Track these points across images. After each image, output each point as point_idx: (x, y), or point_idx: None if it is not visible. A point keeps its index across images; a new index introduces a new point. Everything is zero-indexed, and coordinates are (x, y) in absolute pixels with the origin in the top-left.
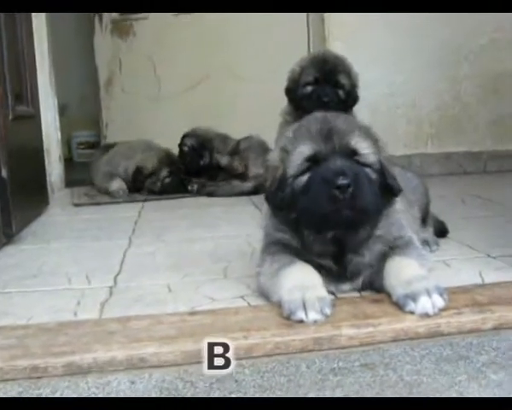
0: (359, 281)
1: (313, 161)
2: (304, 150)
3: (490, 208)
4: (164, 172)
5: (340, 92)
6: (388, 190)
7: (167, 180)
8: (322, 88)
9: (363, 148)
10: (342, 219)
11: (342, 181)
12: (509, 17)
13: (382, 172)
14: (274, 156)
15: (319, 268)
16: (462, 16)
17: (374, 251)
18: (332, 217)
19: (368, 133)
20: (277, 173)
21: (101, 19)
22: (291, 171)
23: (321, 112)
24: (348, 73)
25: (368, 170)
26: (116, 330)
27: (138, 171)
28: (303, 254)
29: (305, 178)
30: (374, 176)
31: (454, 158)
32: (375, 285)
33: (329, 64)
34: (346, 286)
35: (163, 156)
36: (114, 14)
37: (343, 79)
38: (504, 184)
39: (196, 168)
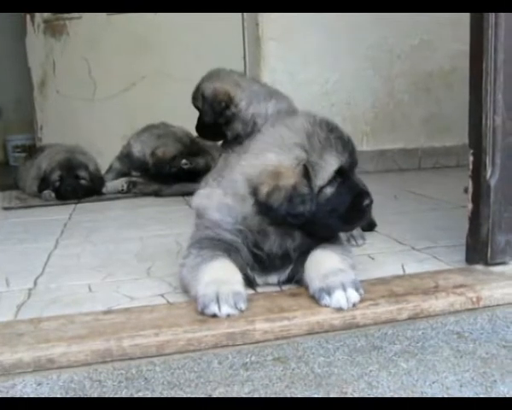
0: (286, 272)
1: (339, 173)
2: (333, 162)
3: (421, 203)
4: (54, 176)
5: None
6: None
7: (57, 184)
8: None
9: None
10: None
11: (369, 201)
12: (437, 21)
13: None
14: (284, 162)
15: (253, 261)
16: (395, 19)
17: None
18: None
19: None
20: (290, 182)
21: (33, 18)
22: (319, 182)
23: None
24: None
25: None
26: (25, 332)
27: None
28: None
29: (330, 189)
30: None
31: (389, 155)
32: (296, 277)
33: None
34: (273, 278)
35: (62, 160)
36: (47, 14)
37: None
38: (438, 179)
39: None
